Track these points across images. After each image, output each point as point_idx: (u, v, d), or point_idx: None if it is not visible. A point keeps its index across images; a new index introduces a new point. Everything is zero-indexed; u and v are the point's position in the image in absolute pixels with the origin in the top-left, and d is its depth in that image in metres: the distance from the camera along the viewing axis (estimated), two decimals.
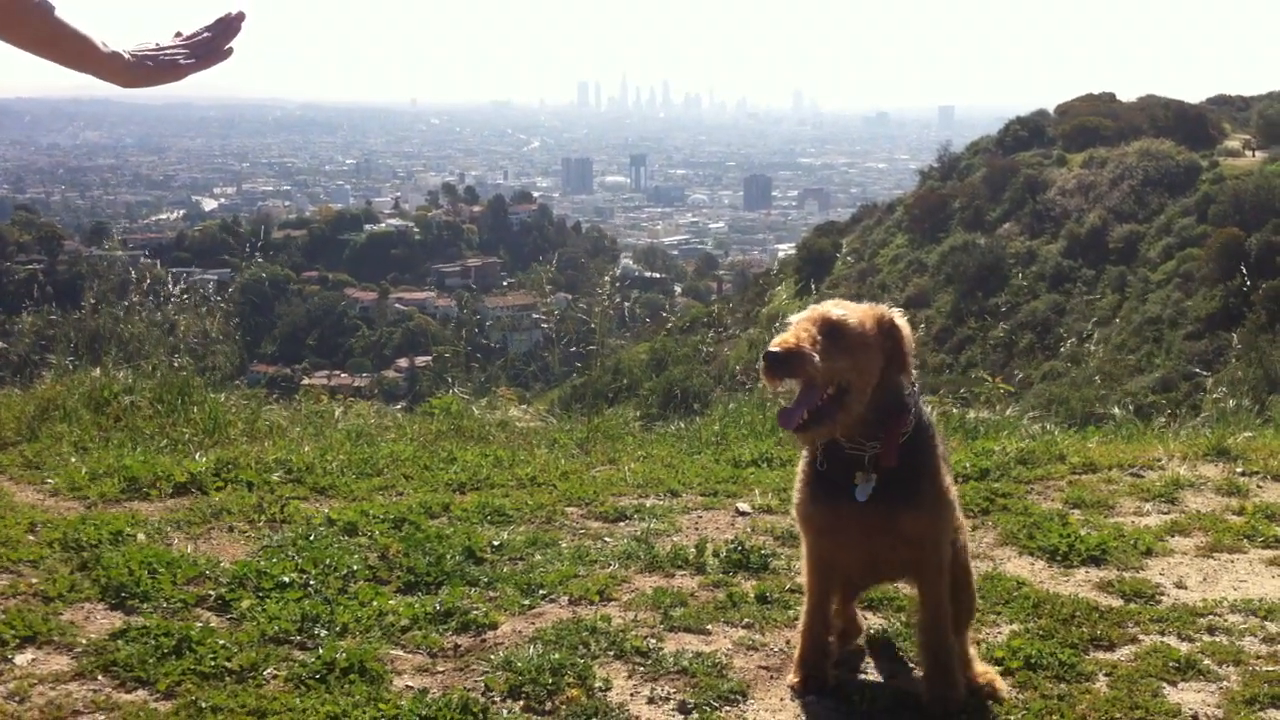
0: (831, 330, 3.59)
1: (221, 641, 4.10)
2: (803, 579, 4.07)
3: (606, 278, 9.80)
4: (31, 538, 5.11)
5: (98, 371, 7.96)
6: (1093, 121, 64.35)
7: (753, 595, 4.77)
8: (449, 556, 4.99)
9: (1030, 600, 4.78)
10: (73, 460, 6.41)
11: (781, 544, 5.46)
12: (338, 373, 56.38)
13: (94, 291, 9.36)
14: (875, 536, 3.79)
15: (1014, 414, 8.67)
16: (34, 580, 4.63)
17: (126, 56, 3.20)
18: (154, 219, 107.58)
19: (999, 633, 4.52)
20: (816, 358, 3.51)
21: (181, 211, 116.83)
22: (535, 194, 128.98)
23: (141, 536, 5.16)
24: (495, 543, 5.25)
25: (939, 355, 42.33)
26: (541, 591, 4.76)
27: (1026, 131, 67.82)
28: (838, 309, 3.67)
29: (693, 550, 5.20)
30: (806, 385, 3.60)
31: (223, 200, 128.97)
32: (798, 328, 3.59)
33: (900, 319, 3.74)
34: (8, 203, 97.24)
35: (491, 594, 4.73)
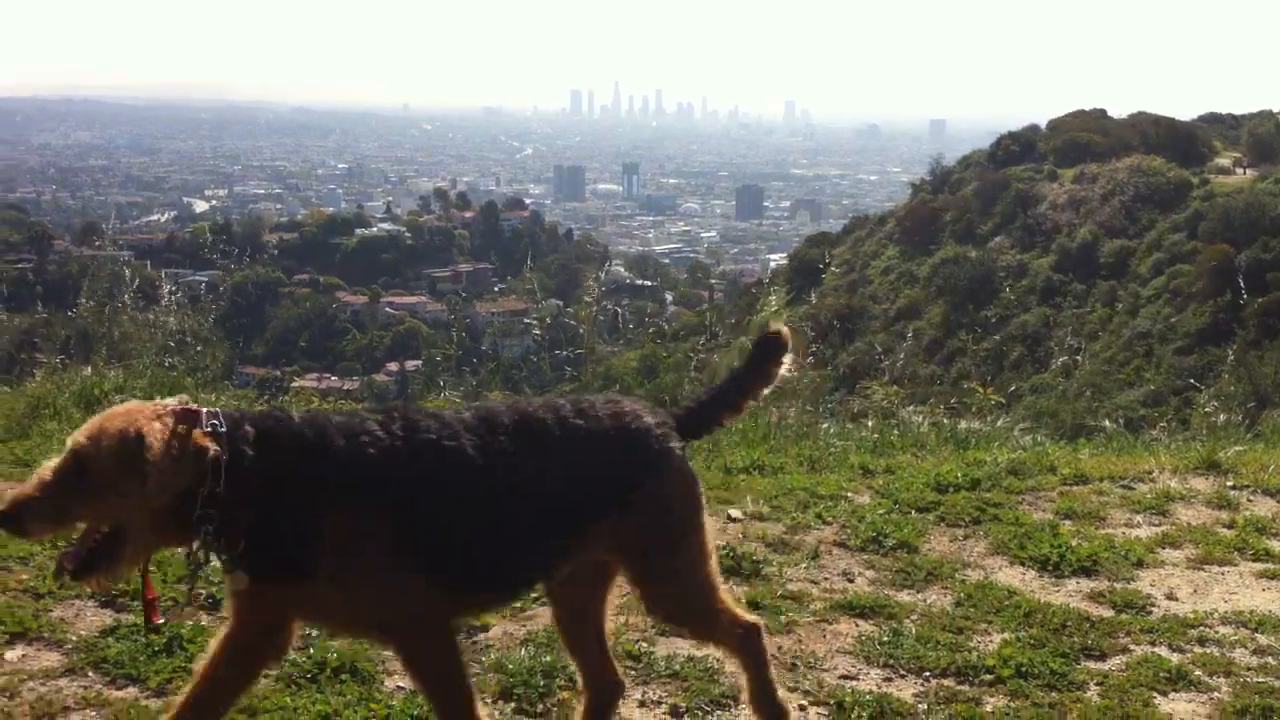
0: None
1: (213, 640, 4.07)
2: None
3: (591, 280, 9.75)
4: None
5: (88, 370, 7.94)
6: (1084, 137, 64.59)
7: (745, 601, 4.76)
8: None
9: (1021, 609, 4.79)
10: None
11: (773, 550, 5.45)
12: (328, 376, 56.20)
13: (85, 291, 9.30)
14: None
15: (1004, 425, 8.69)
16: (24, 577, 4.62)
17: None
18: (145, 220, 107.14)
19: (990, 641, 4.52)
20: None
21: (173, 213, 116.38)
22: (527, 201, 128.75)
23: None
24: None
25: (929, 367, 42.39)
26: (533, 595, 4.74)
27: (1018, 146, 68.06)
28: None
29: None
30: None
31: (214, 202, 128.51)
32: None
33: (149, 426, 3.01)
34: None
35: None
